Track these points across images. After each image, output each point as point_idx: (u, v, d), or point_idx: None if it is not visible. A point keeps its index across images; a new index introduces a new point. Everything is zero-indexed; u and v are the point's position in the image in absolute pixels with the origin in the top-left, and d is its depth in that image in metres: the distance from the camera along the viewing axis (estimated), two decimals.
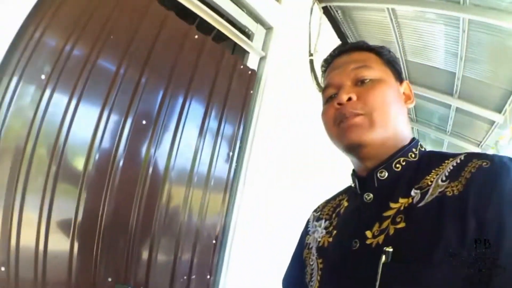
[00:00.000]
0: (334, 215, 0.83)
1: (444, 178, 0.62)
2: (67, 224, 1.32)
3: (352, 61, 0.77)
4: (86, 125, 1.37)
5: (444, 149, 5.14)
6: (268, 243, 2.20)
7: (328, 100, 0.79)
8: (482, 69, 2.95)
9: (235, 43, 2.10)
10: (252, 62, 2.16)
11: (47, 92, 1.24)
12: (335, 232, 0.78)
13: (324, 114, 0.79)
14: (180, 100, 1.71)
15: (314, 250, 0.81)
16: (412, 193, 0.64)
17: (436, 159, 0.69)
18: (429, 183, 0.64)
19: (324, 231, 0.82)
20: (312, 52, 2.61)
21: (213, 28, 1.92)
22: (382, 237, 0.62)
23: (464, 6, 2.26)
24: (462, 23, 2.45)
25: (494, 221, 0.52)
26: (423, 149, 0.74)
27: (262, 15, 2.16)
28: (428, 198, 0.61)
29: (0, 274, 1.14)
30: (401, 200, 0.65)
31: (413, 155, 0.71)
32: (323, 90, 0.82)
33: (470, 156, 0.63)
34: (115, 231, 1.46)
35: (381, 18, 2.81)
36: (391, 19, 2.71)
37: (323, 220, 0.85)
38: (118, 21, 1.44)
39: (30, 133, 1.21)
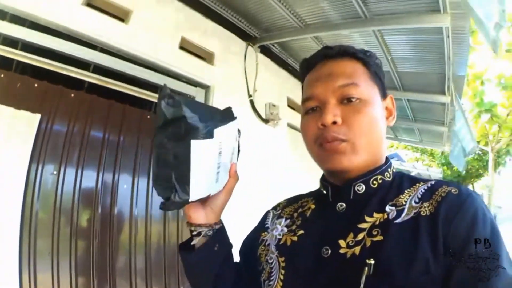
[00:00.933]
0: (296, 215, 0.82)
1: (417, 200, 0.66)
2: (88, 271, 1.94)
3: (339, 74, 0.72)
4: (90, 188, 2.04)
5: (416, 134, 5.47)
6: None
7: (308, 112, 0.76)
8: (411, 62, 3.33)
9: None
10: None
11: (62, 168, 1.92)
12: (301, 231, 0.76)
13: (305, 129, 0.76)
14: (148, 155, 2.33)
15: (272, 248, 0.79)
16: (387, 209, 0.67)
17: (407, 181, 0.73)
18: (403, 202, 0.67)
19: (285, 229, 0.80)
20: (251, 93, 3.01)
21: None
22: (358, 248, 0.64)
23: (367, 20, 2.63)
24: (373, 33, 2.83)
25: (454, 239, 0.58)
26: (394, 170, 0.76)
27: (199, 80, 2.69)
28: (405, 216, 0.64)
29: None
30: (375, 215, 0.67)
31: (388, 175, 0.73)
32: (303, 101, 0.78)
33: (440, 183, 0.68)
34: (121, 272, 2.08)
35: (312, 44, 3.20)
36: (317, 44, 3.11)
37: (284, 219, 0.84)
38: (95, 112, 2.13)
39: (55, 206, 1.87)
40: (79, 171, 2.00)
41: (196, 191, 0.66)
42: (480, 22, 1.80)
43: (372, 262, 0.59)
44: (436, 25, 2.52)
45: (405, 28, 2.75)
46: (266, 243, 0.82)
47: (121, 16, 2.27)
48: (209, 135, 0.64)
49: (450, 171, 14.90)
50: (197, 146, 0.62)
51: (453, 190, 0.64)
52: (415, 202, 0.66)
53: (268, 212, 0.92)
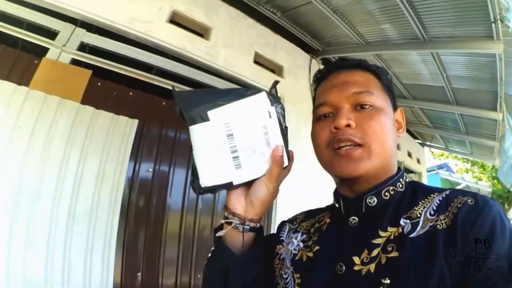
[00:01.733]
0: (313, 230, 0.79)
1: (432, 212, 0.63)
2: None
3: (354, 82, 0.72)
4: (179, 185, 2.39)
5: (468, 146, 5.55)
6: None
7: (320, 118, 0.74)
8: (464, 80, 3.52)
9: None
10: None
11: (156, 167, 2.28)
12: (317, 247, 0.73)
13: (316, 134, 0.74)
14: None
15: (287, 263, 0.76)
16: (402, 222, 0.64)
17: (421, 191, 0.70)
18: (418, 214, 0.64)
19: (301, 244, 0.78)
20: None
21: None
22: (373, 265, 0.62)
23: (425, 42, 2.89)
24: (430, 53, 3.07)
25: (472, 248, 0.55)
26: (407, 180, 0.74)
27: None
28: (420, 230, 0.62)
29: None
30: (390, 229, 0.65)
31: (400, 186, 0.71)
32: (316, 106, 0.76)
33: (455, 193, 0.65)
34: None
35: (372, 59, 3.45)
36: (377, 60, 3.40)
37: (300, 234, 0.81)
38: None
39: (150, 199, 2.23)
40: (172, 170, 2.34)
41: (206, 176, 0.65)
42: None
43: (388, 281, 0.58)
44: (490, 51, 2.73)
45: (460, 51, 2.97)
46: (281, 257, 0.79)
47: (201, 32, 2.63)
48: (203, 118, 0.63)
49: (501, 186, 14.28)
50: (195, 131, 0.63)
51: (469, 200, 0.62)
52: (430, 214, 0.63)
53: (283, 223, 0.88)
